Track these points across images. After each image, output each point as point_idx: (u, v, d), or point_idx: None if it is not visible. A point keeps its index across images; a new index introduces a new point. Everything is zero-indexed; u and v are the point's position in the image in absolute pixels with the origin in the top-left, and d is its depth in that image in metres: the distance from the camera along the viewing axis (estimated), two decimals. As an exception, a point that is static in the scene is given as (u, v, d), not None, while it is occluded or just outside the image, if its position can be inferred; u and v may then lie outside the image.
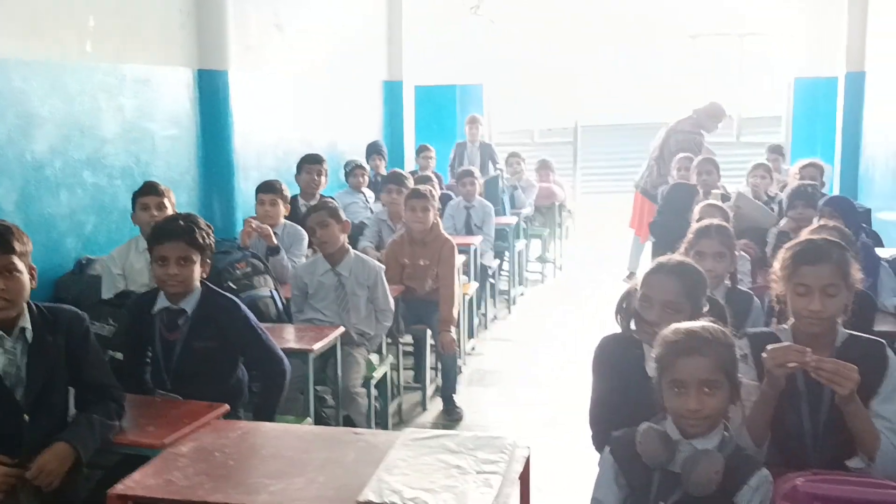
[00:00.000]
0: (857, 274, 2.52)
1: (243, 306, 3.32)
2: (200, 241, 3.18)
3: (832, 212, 4.67)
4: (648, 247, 8.20)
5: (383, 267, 4.62)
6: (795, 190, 5.25)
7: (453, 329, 5.19)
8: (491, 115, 12.01)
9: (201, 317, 3.20)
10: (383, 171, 7.86)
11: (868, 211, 6.35)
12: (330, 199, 5.03)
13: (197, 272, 3.19)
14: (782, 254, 2.57)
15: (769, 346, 2.31)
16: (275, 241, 4.93)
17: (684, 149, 7.86)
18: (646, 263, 3.04)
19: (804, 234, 3.58)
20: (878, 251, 4.56)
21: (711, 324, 2.24)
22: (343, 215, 4.51)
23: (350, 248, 4.50)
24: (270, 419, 3.23)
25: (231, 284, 4.22)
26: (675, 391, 2.13)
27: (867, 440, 2.30)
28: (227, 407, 2.93)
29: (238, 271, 4.44)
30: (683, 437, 2.13)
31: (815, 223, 4.74)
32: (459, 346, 5.96)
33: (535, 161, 9.83)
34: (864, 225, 5.06)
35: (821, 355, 2.29)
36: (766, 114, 12.50)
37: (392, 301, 4.56)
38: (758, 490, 2.09)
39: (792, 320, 2.52)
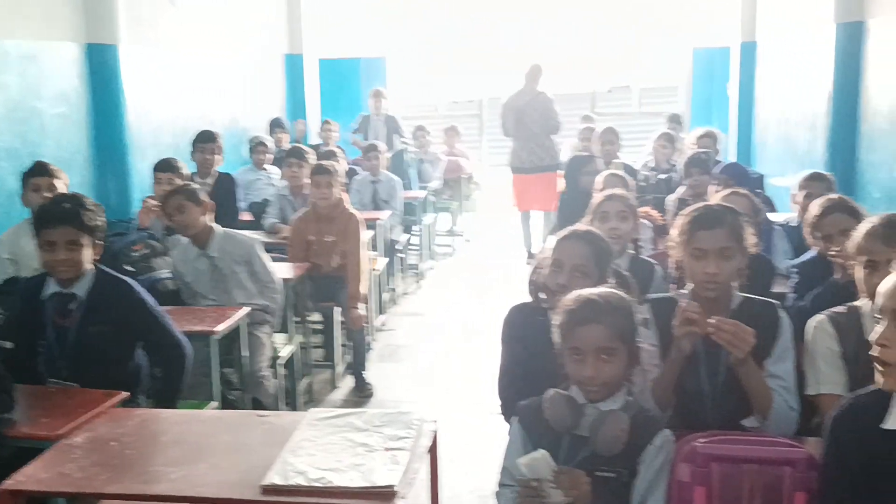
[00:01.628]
0: (751, 238, 2.59)
1: (140, 288, 3.21)
2: (88, 223, 3.05)
3: (727, 178, 4.81)
4: (538, 223, 8.33)
5: (257, 239, 4.48)
6: (691, 158, 5.38)
7: (362, 305, 5.14)
8: (395, 88, 11.93)
9: (95, 301, 3.08)
10: (286, 146, 7.72)
11: (761, 177, 6.57)
12: (189, 182, 4.79)
13: (87, 255, 3.06)
14: (679, 220, 2.62)
15: (677, 309, 2.37)
16: (170, 222, 4.76)
17: (548, 117, 7.97)
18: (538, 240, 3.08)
19: (714, 200, 3.69)
20: (771, 216, 4.72)
21: (609, 290, 2.27)
22: (203, 197, 4.30)
23: (216, 226, 4.32)
24: (173, 405, 3.13)
25: (128, 267, 4.08)
26: (574, 358, 2.16)
27: (761, 400, 2.37)
28: (124, 394, 2.83)
29: (135, 253, 4.29)
30: (588, 401, 2.16)
31: (714, 190, 4.89)
32: (369, 323, 5.93)
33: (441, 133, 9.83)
34: (757, 190, 5.22)
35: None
36: (665, 84, 12.79)
37: (275, 273, 4.42)
38: (661, 449, 2.14)
39: (691, 286, 2.58)
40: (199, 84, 7.45)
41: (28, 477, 2.20)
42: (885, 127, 5.15)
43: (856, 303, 2.58)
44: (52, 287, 3.10)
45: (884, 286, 1.85)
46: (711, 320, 2.30)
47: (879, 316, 1.86)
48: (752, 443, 2.15)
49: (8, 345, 3.12)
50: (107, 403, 2.71)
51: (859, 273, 2.54)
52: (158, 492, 2.15)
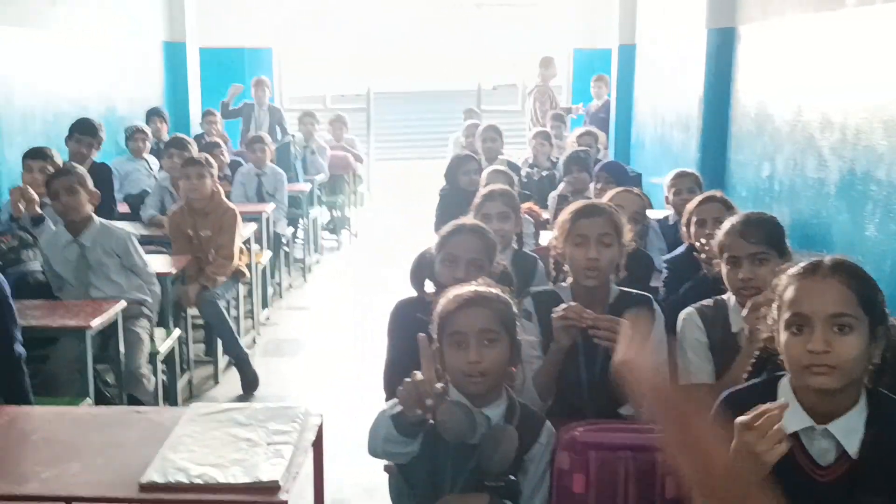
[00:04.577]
0: (628, 234, 2.72)
1: None
2: None
3: (607, 176, 4.97)
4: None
5: (131, 233, 4.34)
6: (570, 156, 5.54)
7: (223, 291, 5.00)
8: (281, 80, 11.75)
9: None
10: (165, 137, 7.49)
11: (639, 175, 6.81)
12: (77, 166, 4.63)
13: None
14: (562, 214, 2.73)
15: (557, 308, 2.45)
16: (39, 211, 4.55)
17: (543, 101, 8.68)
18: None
19: (606, 197, 3.83)
20: (647, 212, 4.89)
21: (492, 282, 2.32)
22: (91, 185, 4.18)
23: (96, 217, 4.19)
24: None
25: (-5, 260, 3.87)
26: (455, 345, 2.14)
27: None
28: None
29: (2, 245, 4.08)
30: (470, 403, 2.12)
31: (595, 187, 5.05)
32: (253, 317, 5.85)
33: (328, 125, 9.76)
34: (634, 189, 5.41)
35: (595, 311, 2.45)
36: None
37: (150, 265, 4.29)
38: (547, 445, 2.20)
39: (570, 279, 2.67)
40: (72, 69, 7.13)
41: None
42: (751, 129, 5.43)
43: (722, 297, 2.71)
44: None
45: (804, 294, 1.77)
46: (588, 315, 2.40)
47: (798, 326, 1.76)
48: (627, 430, 2.24)
49: None
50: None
51: (725, 269, 2.67)
52: (28, 492, 2.06)
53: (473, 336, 2.13)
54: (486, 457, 2.09)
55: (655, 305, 2.70)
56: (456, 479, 2.11)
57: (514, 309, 2.25)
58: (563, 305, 2.48)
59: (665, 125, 7.42)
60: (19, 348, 3.04)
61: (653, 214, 4.68)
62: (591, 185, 5.18)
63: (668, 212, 4.83)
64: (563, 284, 2.73)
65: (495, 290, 2.25)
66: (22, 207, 4.53)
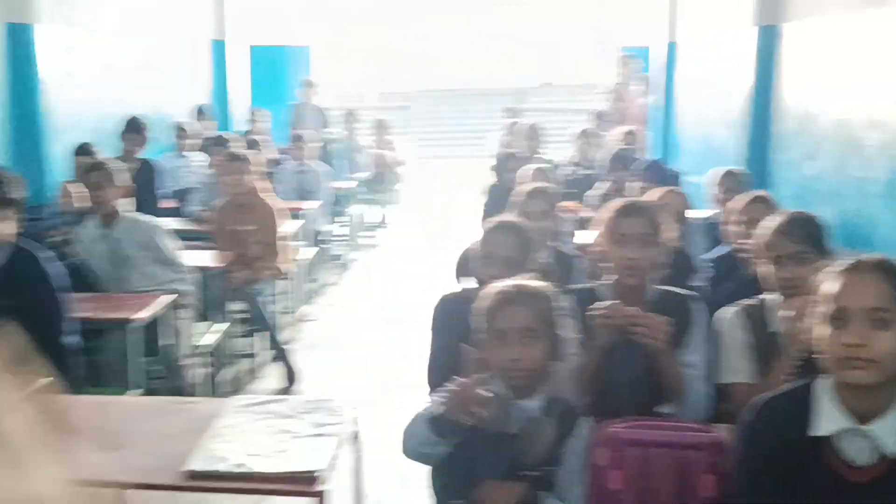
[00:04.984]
0: (670, 234, 2.71)
1: (53, 267, 3.12)
2: (8, 196, 2.99)
3: (649, 175, 4.95)
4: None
5: (160, 223, 4.43)
6: (614, 155, 5.53)
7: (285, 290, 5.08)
8: (320, 78, 11.87)
9: (10, 274, 3.01)
10: (212, 134, 7.61)
11: (677, 174, 6.76)
12: (111, 160, 4.73)
13: (5, 229, 2.99)
14: (604, 212, 2.73)
15: (597, 305, 2.46)
16: (83, 206, 4.65)
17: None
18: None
19: (650, 197, 3.82)
20: (687, 212, 4.86)
21: (533, 279, 2.34)
22: (123, 179, 4.30)
23: (125, 210, 4.30)
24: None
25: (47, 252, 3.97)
26: (498, 342, 2.17)
27: (676, 388, 2.47)
28: (46, 379, 2.74)
29: (55, 238, 4.19)
30: (512, 395, 2.16)
31: (638, 186, 5.03)
32: (293, 313, 5.91)
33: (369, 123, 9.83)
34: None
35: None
36: (591, 81, 13.01)
37: (181, 256, 4.37)
38: (584, 440, 2.21)
39: (612, 277, 2.67)
40: (122, 67, 7.27)
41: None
42: (795, 127, 5.37)
43: (763, 296, 2.70)
44: None
45: (844, 289, 1.79)
46: (629, 312, 2.41)
47: (837, 320, 1.77)
48: (666, 428, 2.24)
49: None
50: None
51: (767, 269, 2.65)
52: (78, 477, 2.12)
53: (514, 333, 2.16)
54: (523, 448, 2.12)
55: (696, 304, 2.68)
56: (495, 469, 2.13)
57: (557, 304, 2.27)
58: (604, 303, 2.48)
59: (706, 123, 7.35)
60: (70, 339, 3.12)
61: (692, 214, 4.65)
62: (633, 184, 5.16)
63: (709, 211, 4.79)
64: (604, 282, 2.72)
65: (538, 286, 2.26)
66: (69, 203, 4.64)
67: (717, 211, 4.64)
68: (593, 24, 12.26)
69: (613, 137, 7.05)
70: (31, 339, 2.70)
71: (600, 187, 5.55)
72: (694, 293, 2.82)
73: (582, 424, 2.23)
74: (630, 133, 6.94)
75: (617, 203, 2.75)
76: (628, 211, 2.66)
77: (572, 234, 4.59)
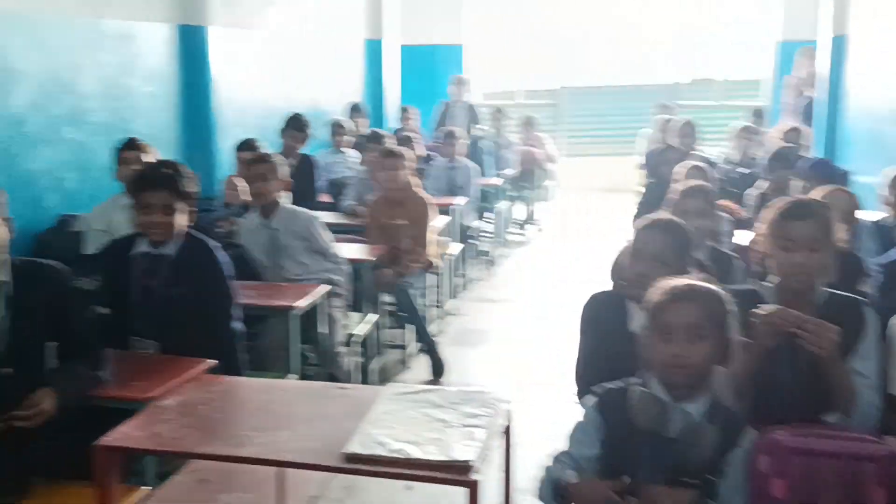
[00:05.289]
0: (840, 234, 2.57)
1: (222, 257, 3.27)
2: (183, 189, 3.16)
3: (815, 175, 4.71)
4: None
5: (316, 215, 4.57)
6: (775, 153, 5.29)
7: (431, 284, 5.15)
8: (471, 76, 11.96)
9: (182, 262, 3.17)
10: (365, 131, 7.83)
11: (845, 173, 6.39)
12: (273, 154, 4.92)
13: (180, 220, 3.17)
14: (768, 212, 2.60)
15: (760, 309, 2.36)
16: (247, 198, 4.88)
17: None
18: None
19: (816, 195, 3.64)
20: (858, 213, 4.59)
21: (705, 280, 2.27)
22: (284, 172, 4.49)
23: (284, 202, 4.48)
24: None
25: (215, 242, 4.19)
26: (662, 338, 2.12)
27: (844, 396, 2.35)
28: (212, 362, 2.89)
29: (221, 229, 4.42)
30: (672, 400, 2.12)
31: (801, 186, 4.80)
32: (441, 307, 6.00)
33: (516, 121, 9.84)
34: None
35: (802, 313, 2.34)
36: (748, 77, 12.53)
37: (336, 247, 4.50)
38: (748, 451, 2.13)
39: (775, 279, 2.56)
40: (282, 66, 7.60)
41: (124, 435, 2.30)
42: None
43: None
44: (142, 246, 3.20)
45: None
46: (796, 317, 2.29)
47: None
48: (834, 437, 2.13)
49: (104, 311, 3.25)
50: (195, 370, 2.81)
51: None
52: (245, 454, 2.23)
53: (680, 329, 2.10)
54: (682, 453, 2.06)
55: (868, 310, 2.53)
56: (653, 473, 2.08)
57: (729, 307, 2.18)
58: (770, 307, 2.37)
59: (879, 120, 6.93)
60: (237, 325, 3.29)
61: (863, 215, 4.39)
62: (796, 184, 4.92)
63: (880, 213, 4.51)
64: (767, 283, 2.61)
65: (711, 286, 2.20)
66: (234, 196, 4.89)
67: (889, 214, 4.36)
68: (749, 18, 11.77)
69: (774, 135, 6.75)
70: (204, 323, 2.88)
71: (760, 186, 5.33)
72: (865, 299, 2.67)
73: (747, 435, 2.14)
74: (794, 130, 6.62)
75: (783, 203, 2.59)
76: (796, 213, 2.51)
77: (731, 234, 4.43)
